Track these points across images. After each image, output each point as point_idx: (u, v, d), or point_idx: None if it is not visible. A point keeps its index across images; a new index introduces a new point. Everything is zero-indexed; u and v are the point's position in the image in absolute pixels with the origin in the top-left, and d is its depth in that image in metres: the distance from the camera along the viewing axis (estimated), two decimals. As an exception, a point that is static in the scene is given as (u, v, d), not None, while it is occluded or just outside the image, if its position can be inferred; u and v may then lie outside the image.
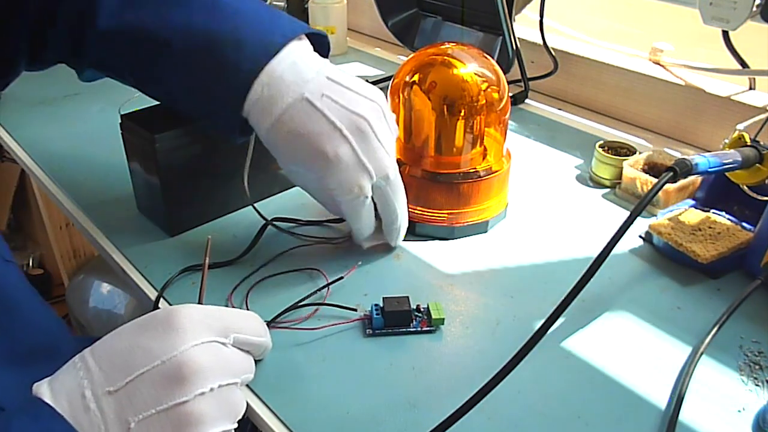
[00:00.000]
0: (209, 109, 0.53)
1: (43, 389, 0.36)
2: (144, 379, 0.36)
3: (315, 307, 0.52)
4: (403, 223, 0.58)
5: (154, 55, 0.50)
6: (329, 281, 0.54)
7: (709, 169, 0.51)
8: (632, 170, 0.68)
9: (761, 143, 0.55)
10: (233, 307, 0.52)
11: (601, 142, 0.73)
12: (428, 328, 0.51)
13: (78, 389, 0.35)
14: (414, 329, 0.51)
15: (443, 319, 0.51)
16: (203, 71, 0.50)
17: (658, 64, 0.88)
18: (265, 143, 0.53)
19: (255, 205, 0.63)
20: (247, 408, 0.45)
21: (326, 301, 0.53)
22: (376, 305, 0.51)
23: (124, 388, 0.35)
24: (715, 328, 0.50)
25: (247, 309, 0.52)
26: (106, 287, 1.22)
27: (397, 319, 0.50)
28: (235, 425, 0.39)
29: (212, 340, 0.39)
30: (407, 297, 0.51)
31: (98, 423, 0.35)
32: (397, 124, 0.62)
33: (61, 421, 0.34)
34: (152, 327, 0.38)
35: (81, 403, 0.35)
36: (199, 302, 0.45)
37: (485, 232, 0.63)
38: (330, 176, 0.51)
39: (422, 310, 0.52)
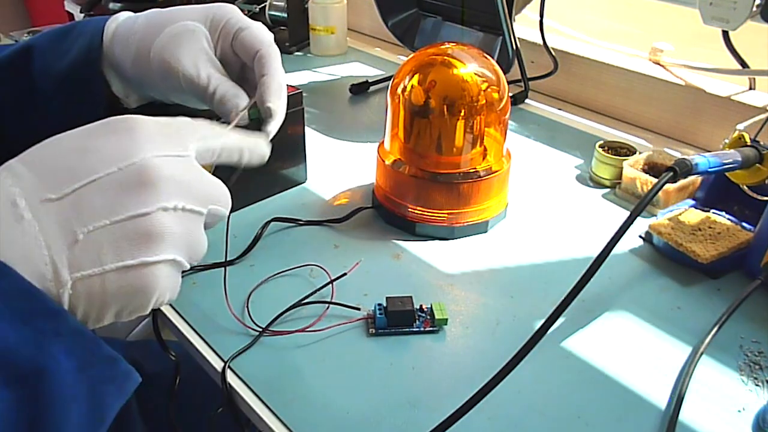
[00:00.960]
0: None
1: None
2: (95, 187, 0.31)
3: (321, 308, 0.52)
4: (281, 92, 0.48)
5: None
6: (331, 279, 0.54)
7: (709, 169, 0.51)
8: (632, 170, 0.68)
9: (761, 143, 0.55)
10: (232, 310, 0.52)
11: (601, 142, 0.73)
12: (431, 329, 0.51)
13: (6, 197, 0.30)
14: (417, 329, 0.51)
15: (446, 319, 0.51)
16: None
17: (658, 64, 0.88)
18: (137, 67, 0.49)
19: (253, 205, 0.63)
20: (247, 408, 0.45)
21: (329, 300, 0.53)
22: (379, 305, 0.51)
23: (69, 196, 0.31)
24: (715, 328, 0.50)
25: (248, 310, 0.52)
26: (106, 287, 1.22)
27: (400, 318, 0.50)
28: (188, 266, 0.35)
29: (179, 154, 0.34)
30: (410, 297, 0.51)
31: (34, 234, 0.30)
32: (397, 124, 0.62)
33: None
34: (104, 132, 0.33)
35: (11, 211, 0.30)
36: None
37: (485, 232, 0.63)
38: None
39: (425, 309, 0.52)
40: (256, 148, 0.41)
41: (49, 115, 0.50)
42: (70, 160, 0.32)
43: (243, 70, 0.50)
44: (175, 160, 0.33)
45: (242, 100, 0.47)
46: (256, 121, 0.48)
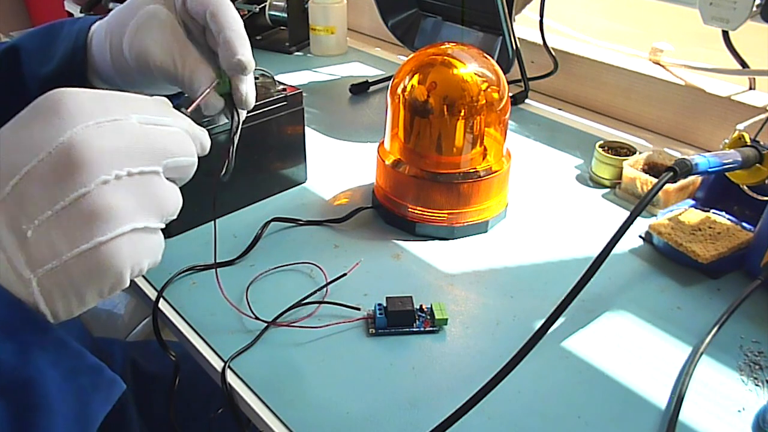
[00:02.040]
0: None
1: None
2: (30, 178, 0.30)
3: (318, 305, 0.53)
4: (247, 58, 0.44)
5: None
6: (331, 279, 0.54)
7: (709, 169, 0.51)
8: (632, 170, 0.68)
9: (761, 143, 0.55)
10: (235, 307, 0.52)
11: (601, 142, 0.73)
12: (431, 329, 0.51)
13: None
14: (417, 329, 0.51)
15: (446, 319, 0.51)
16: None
17: (658, 64, 0.88)
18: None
19: (253, 205, 0.63)
20: (248, 408, 0.45)
21: (329, 300, 0.53)
22: (379, 305, 0.51)
23: (10, 194, 0.30)
24: (715, 328, 0.50)
25: (250, 308, 0.52)
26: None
27: (400, 318, 0.50)
28: (163, 225, 0.34)
29: (111, 118, 0.32)
30: (410, 297, 0.51)
31: None
32: (398, 124, 0.62)
33: None
34: (32, 116, 0.31)
35: None
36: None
37: (485, 232, 0.63)
38: None
39: (425, 310, 0.52)
40: (201, 137, 0.39)
41: None
42: (6, 155, 0.30)
43: (206, 33, 0.47)
44: (107, 126, 0.31)
45: (203, 83, 0.44)
46: (227, 95, 0.45)
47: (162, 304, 0.53)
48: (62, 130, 0.30)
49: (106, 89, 0.49)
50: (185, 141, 0.35)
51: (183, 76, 0.44)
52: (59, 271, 0.30)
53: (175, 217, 0.35)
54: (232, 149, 0.45)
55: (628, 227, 0.44)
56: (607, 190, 0.72)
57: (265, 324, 0.51)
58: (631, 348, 0.50)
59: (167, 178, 0.35)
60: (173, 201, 0.34)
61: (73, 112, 0.31)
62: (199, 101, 0.42)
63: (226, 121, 0.46)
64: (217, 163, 0.45)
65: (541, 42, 0.91)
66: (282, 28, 1.13)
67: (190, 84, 0.44)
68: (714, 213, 0.62)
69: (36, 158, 0.30)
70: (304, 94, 0.66)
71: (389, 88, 0.63)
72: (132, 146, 0.32)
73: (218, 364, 0.48)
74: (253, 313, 0.51)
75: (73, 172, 0.30)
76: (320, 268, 0.56)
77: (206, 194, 0.64)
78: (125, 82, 0.49)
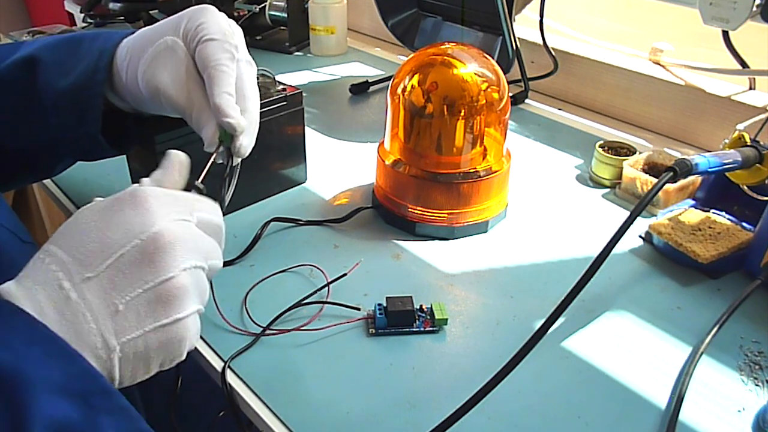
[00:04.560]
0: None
1: (10, 290, 0.33)
2: (124, 260, 0.35)
3: (319, 308, 0.53)
4: (254, 117, 0.49)
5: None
6: (331, 279, 0.54)
7: (709, 169, 0.51)
8: (632, 170, 0.68)
9: (761, 143, 0.55)
10: (224, 317, 0.53)
11: (601, 142, 0.73)
12: (431, 329, 0.51)
13: (54, 282, 0.34)
14: (417, 329, 0.51)
15: (446, 319, 0.51)
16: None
17: (658, 64, 0.88)
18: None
19: (253, 205, 0.63)
20: (248, 408, 0.45)
21: (329, 300, 0.53)
22: (379, 305, 0.51)
23: (104, 272, 0.34)
24: (715, 328, 0.50)
25: (247, 310, 0.52)
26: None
27: (400, 318, 0.50)
28: (203, 309, 0.39)
29: (186, 218, 0.37)
30: (410, 297, 0.51)
31: (82, 311, 0.34)
32: (397, 124, 0.62)
33: (24, 316, 0.33)
34: (118, 209, 0.36)
35: (60, 294, 0.34)
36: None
37: (485, 232, 0.63)
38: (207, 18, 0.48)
39: (425, 310, 0.52)
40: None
41: (46, 128, 0.51)
42: (97, 238, 0.35)
43: None
44: (184, 224, 0.37)
45: (209, 129, 0.47)
46: (228, 138, 0.47)
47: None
48: (152, 221, 0.35)
49: (121, 102, 0.50)
50: (218, 249, 0.41)
51: (191, 115, 0.48)
52: (140, 340, 0.35)
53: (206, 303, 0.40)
54: (224, 190, 0.48)
55: (628, 227, 0.44)
56: (607, 190, 0.72)
57: (262, 329, 0.51)
58: (631, 348, 0.50)
59: None
60: (209, 293, 0.39)
61: (158, 206, 0.36)
62: (207, 170, 0.45)
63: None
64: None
65: (541, 42, 0.91)
66: (282, 28, 1.13)
67: (197, 123, 0.48)
68: (714, 213, 0.62)
69: (129, 244, 0.35)
70: (304, 94, 0.66)
71: (389, 88, 0.63)
72: (198, 245, 0.37)
73: (218, 364, 0.48)
74: (252, 320, 0.51)
75: (162, 257, 0.35)
76: (320, 269, 0.56)
77: (205, 196, 0.64)
78: (137, 104, 0.51)
